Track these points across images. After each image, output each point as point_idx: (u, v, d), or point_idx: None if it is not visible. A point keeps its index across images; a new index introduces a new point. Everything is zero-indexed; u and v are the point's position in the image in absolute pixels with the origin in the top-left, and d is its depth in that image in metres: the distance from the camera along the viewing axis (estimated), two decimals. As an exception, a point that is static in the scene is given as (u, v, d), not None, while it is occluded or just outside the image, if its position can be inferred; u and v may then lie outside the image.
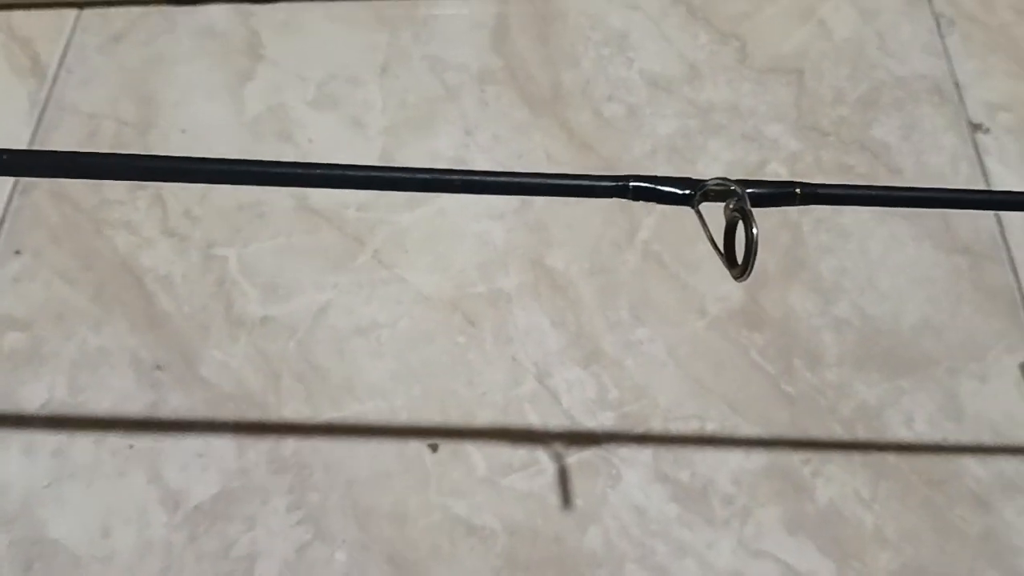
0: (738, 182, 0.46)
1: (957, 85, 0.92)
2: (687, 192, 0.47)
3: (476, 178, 0.47)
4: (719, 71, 0.93)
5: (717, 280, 0.79)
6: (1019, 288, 0.81)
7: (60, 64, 0.90)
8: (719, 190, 0.47)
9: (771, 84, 0.92)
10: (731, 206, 0.46)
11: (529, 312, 0.78)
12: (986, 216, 0.84)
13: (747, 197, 0.45)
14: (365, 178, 0.46)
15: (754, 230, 0.43)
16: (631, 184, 0.47)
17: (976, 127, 0.90)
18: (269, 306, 0.77)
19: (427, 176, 0.47)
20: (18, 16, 0.93)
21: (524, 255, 0.81)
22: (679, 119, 0.89)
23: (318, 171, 0.45)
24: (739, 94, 0.91)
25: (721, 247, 0.47)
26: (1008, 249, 0.83)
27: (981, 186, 0.87)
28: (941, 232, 0.83)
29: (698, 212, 0.47)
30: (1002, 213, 0.85)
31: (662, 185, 0.47)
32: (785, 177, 0.85)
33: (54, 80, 0.89)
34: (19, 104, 0.87)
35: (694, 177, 0.47)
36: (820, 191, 0.47)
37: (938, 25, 0.97)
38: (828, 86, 0.92)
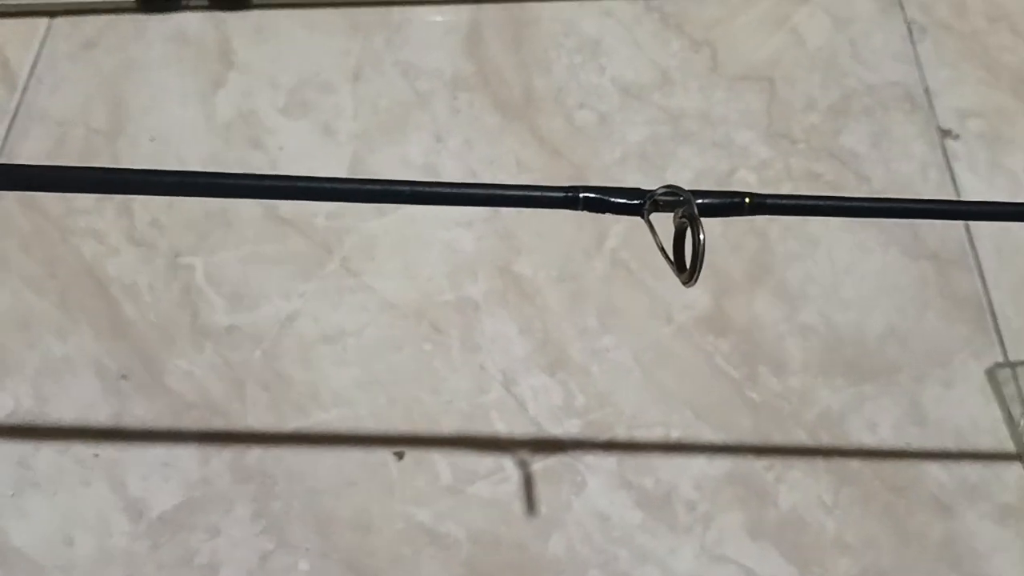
0: (688, 192, 0.47)
1: (928, 92, 0.93)
2: (637, 202, 0.48)
3: (426, 189, 0.48)
4: (691, 78, 0.93)
5: (683, 288, 0.79)
6: (986, 294, 0.81)
7: (31, 72, 0.90)
8: (669, 200, 0.47)
9: (743, 91, 0.92)
10: (680, 214, 0.46)
11: (496, 319, 0.78)
12: (954, 223, 0.85)
13: (694, 204, 0.45)
14: (315, 189, 0.46)
15: (701, 236, 0.44)
16: (581, 195, 0.48)
17: (946, 133, 0.91)
18: (235, 315, 0.77)
19: (376, 188, 0.47)
20: (-12, 24, 0.93)
21: (493, 262, 0.81)
22: (650, 126, 0.90)
23: (267, 183, 0.46)
24: (711, 101, 0.92)
25: (671, 254, 0.47)
26: (976, 256, 0.83)
27: (950, 193, 0.88)
28: (909, 239, 0.84)
29: (648, 222, 0.48)
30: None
31: (612, 196, 0.48)
32: (754, 184, 0.85)
33: (25, 88, 0.89)
34: (-11, 112, 0.88)
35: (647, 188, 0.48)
36: (768, 201, 0.48)
37: (910, 33, 0.97)
38: (799, 94, 0.92)
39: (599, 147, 0.88)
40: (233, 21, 0.94)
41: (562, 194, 0.48)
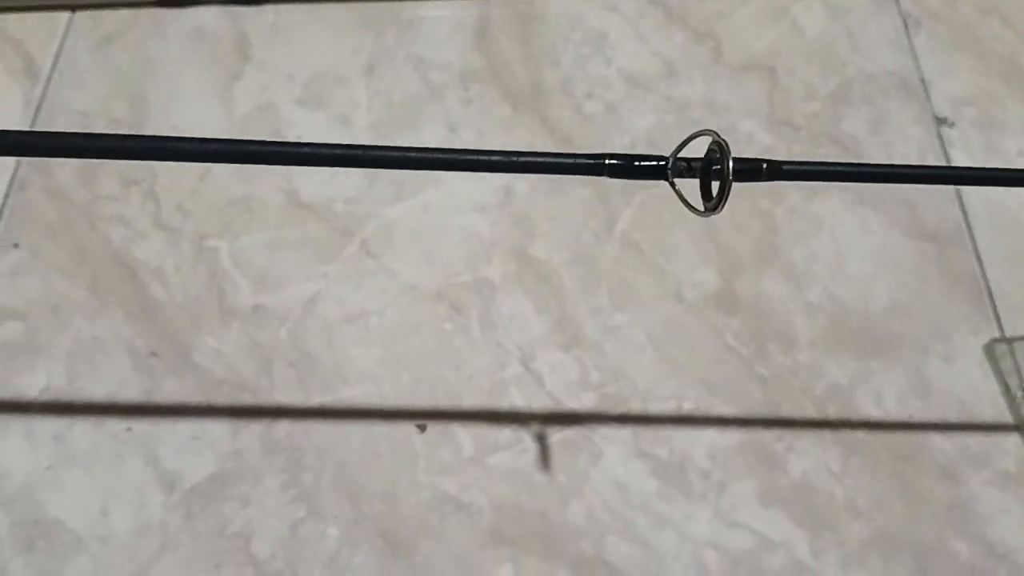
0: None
1: (923, 81, 0.96)
2: (661, 163, 0.50)
3: (455, 156, 0.50)
4: (695, 69, 0.96)
5: (693, 266, 0.82)
6: (983, 273, 0.84)
7: (53, 65, 0.92)
8: (691, 165, 0.50)
9: (745, 81, 0.95)
10: (709, 145, 0.49)
11: (513, 300, 0.81)
12: (951, 204, 0.88)
13: (718, 134, 0.48)
14: (345, 156, 0.48)
15: (729, 163, 0.46)
16: (606, 161, 0.50)
17: (941, 121, 0.94)
18: (260, 296, 0.79)
19: (409, 155, 0.49)
20: (11, 19, 0.95)
21: (508, 246, 0.84)
22: (656, 114, 0.92)
23: (304, 150, 0.48)
24: (714, 91, 0.95)
25: (699, 191, 0.50)
26: (972, 236, 0.86)
27: (946, 176, 0.91)
28: (908, 219, 0.87)
29: (671, 182, 0.50)
30: (966, 201, 0.88)
31: (637, 161, 0.50)
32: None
33: (48, 81, 0.91)
34: (14, 104, 0.90)
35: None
36: (785, 167, 0.51)
37: (905, 24, 1.00)
38: (800, 82, 0.95)
39: (608, 135, 0.91)
40: (249, 16, 0.97)
41: (589, 160, 0.50)
